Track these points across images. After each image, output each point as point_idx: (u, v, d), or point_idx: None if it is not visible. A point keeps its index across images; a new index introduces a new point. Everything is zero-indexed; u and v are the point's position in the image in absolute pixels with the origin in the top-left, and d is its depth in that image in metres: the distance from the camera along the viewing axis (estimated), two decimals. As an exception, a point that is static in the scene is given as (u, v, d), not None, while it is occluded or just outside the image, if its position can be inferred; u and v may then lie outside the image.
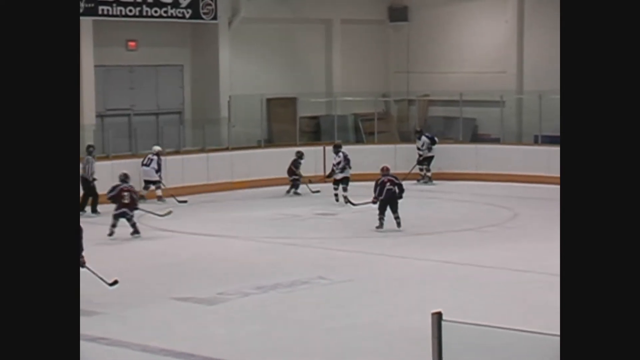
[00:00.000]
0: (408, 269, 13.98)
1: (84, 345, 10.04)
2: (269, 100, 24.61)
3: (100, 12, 21.44)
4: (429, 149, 22.88)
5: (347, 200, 18.24)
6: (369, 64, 27.04)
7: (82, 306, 11.63)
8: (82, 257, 12.00)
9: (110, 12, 21.60)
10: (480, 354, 6.01)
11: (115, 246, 15.88)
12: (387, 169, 17.25)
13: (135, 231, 16.27)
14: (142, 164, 20.29)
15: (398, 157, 22.85)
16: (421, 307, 10.44)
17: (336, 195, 19.76)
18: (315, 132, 25.53)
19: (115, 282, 12.34)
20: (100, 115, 22.35)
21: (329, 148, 23.42)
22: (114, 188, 16.27)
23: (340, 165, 19.88)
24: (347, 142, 25.08)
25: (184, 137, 23.13)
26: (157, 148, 20.51)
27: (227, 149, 22.99)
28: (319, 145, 24.03)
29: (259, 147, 23.87)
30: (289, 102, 24.72)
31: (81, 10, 21.01)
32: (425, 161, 22.84)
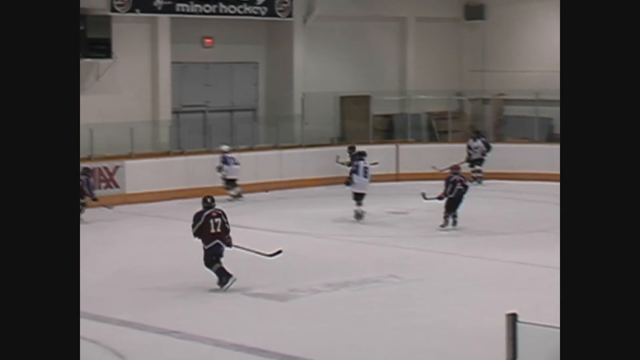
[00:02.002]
0: (481, 269, 13.84)
1: (156, 338, 10.19)
2: (342, 98, 24.59)
3: (177, 10, 21.69)
4: (483, 154, 22.47)
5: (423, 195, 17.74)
6: (444, 62, 26.82)
7: (155, 300, 11.85)
8: (229, 237, 12.44)
9: (188, 10, 21.84)
10: (555, 357, 5.90)
11: (187, 241, 16.01)
12: (458, 167, 17.28)
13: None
14: (234, 163, 20.16)
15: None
16: (493, 308, 10.30)
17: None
18: (388, 130, 25.43)
19: (279, 252, 12.76)
20: (175, 112, 22.60)
21: (402, 147, 23.35)
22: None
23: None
24: (420, 141, 24.95)
25: (257, 134, 23.23)
26: (227, 147, 20.57)
27: (300, 146, 23.04)
28: (392, 144, 23.94)
29: (331, 144, 23.86)
30: (362, 100, 24.67)
31: (159, 8, 21.36)
32: (476, 162, 22.38)
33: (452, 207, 16.61)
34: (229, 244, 12.46)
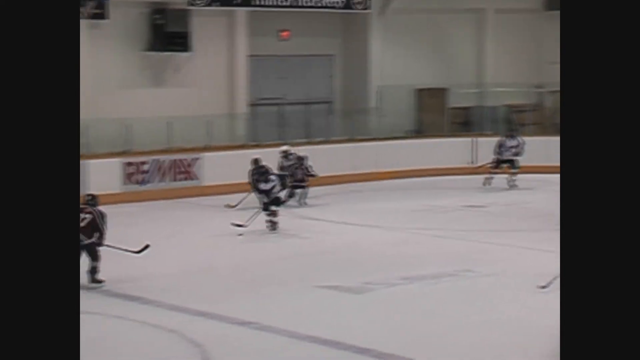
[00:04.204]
0: (558, 264, 13.69)
1: (233, 328, 10.36)
2: (418, 91, 24.56)
3: (254, 3, 21.92)
4: (516, 154, 21.28)
5: None
6: (523, 54, 26.53)
7: (232, 291, 12.03)
8: (101, 236, 12.26)
9: (264, 3, 22.05)
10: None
11: (259, 235, 16.21)
12: None
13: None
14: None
15: (550, 149, 22.34)
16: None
17: None
18: (465, 123, 25.31)
19: (146, 247, 12.70)
20: (252, 104, 22.84)
21: (479, 139, 23.18)
22: None
23: None
24: (498, 134, 24.76)
25: (332, 127, 23.32)
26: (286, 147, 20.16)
27: (375, 139, 23.06)
28: (468, 137, 23.82)
29: (407, 137, 23.85)
30: (439, 93, 24.60)
31: (237, 1, 21.62)
32: (509, 162, 21.34)
33: None
34: (99, 244, 12.29)
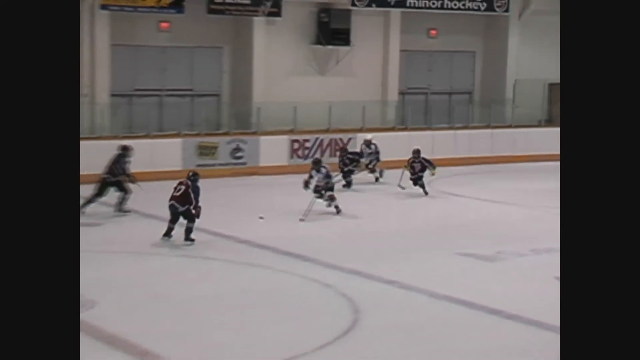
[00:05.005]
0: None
1: (381, 286, 10.41)
2: (550, 85, 23.89)
3: (408, 4, 21.90)
4: None
5: None
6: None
7: (380, 254, 12.07)
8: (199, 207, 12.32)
9: (417, 5, 21.99)
10: None
11: (408, 206, 16.18)
12: None
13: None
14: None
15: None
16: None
17: None
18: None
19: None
20: (401, 93, 22.81)
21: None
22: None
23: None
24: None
25: (472, 115, 23.05)
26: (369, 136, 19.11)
27: (510, 127, 22.72)
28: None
29: (539, 126, 23.33)
30: (570, 87, 23.85)
31: (392, 3, 21.67)
32: None
33: None
34: (195, 213, 12.30)
